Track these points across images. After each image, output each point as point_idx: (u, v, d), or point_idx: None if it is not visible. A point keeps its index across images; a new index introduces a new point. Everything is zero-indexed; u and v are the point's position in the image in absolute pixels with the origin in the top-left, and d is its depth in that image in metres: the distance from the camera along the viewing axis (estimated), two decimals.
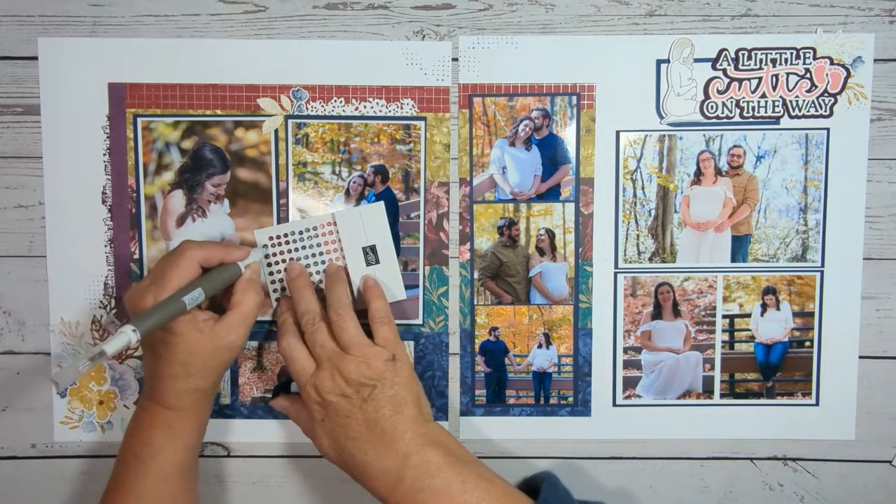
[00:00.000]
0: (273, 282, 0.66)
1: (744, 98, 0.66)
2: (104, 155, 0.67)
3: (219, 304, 0.62)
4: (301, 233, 0.66)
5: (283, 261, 0.66)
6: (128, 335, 0.52)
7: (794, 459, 0.70)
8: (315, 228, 0.66)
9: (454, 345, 0.69)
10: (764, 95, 0.66)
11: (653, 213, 0.68)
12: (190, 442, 0.60)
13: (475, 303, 0.68)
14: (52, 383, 0.67)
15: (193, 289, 0.56)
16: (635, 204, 0.68)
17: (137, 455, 0.59)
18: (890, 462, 0.70)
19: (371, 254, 0.66)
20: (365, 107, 0.66)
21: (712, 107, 0.67)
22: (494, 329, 0.68)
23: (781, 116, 0.67)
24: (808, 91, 0.66)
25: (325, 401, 0.58)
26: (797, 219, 0.68)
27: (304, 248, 0.66)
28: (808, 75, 0.66)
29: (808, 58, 0.66)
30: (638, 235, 0.68)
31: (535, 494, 0.57)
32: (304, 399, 0.60)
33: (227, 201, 0.67)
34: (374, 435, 0.57)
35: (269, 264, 0.66)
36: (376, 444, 0.57)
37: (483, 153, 0.67)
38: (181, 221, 0.67)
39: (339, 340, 0.59)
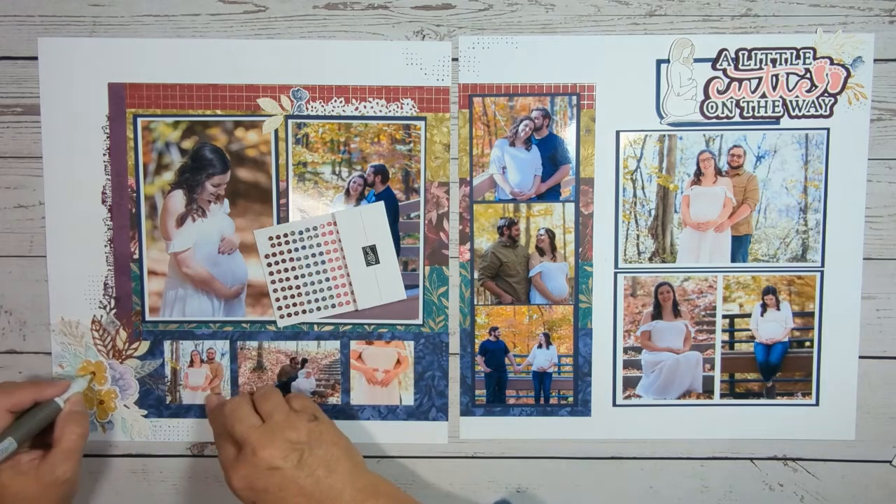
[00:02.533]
0: (273, 282, 0.66)
1: (744, 98, 0.66)
2: (104, 155, 0.67)
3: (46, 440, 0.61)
4: (301, 233, 0.66)
5: (283, 260, 0.66)
6: None
7: (794, 459, 0.70)
8: (315, 228, 0.66)
9: (454, 345, 0.69)
10: (764, 95, 0.66)
11: (653, 213, 0.68)
12: None
13: (475, 303, 0.68)
14: None
15: (2, 439, 0.57)
16: (635, 204, 0.68)
17: None
18: (890, 462, 0.70)
19: (371, 254, 0.66)
20: (365, 107, 0.66)
21: (712, 107, 0.67)
22: (494, 329, 0.68)
23: (781, 116, 0.67)
24: (808, 91, 0.66)
25: (253, 482, 0.55)
26: (797, 219, 0.68)
27: (304, 248, 0.66)
28: (808, 75, 0.66)
29: (808, 58, 0.66)
30: (638, 235, 0.68)
31: None
32: (231, 490, 0.57)
33: (227, 201, 0.67)
34: (312, 501, 0.55)
35: (270, 264, 0.66)
36: None
37: (483, 153, 0.67)
38: (181, 221, 0.67)
39: (260, 410, 0.58)
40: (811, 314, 0.68)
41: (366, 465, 0.59)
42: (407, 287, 0.67)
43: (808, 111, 0.67)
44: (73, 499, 0.61)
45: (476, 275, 0.68)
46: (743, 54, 0.66)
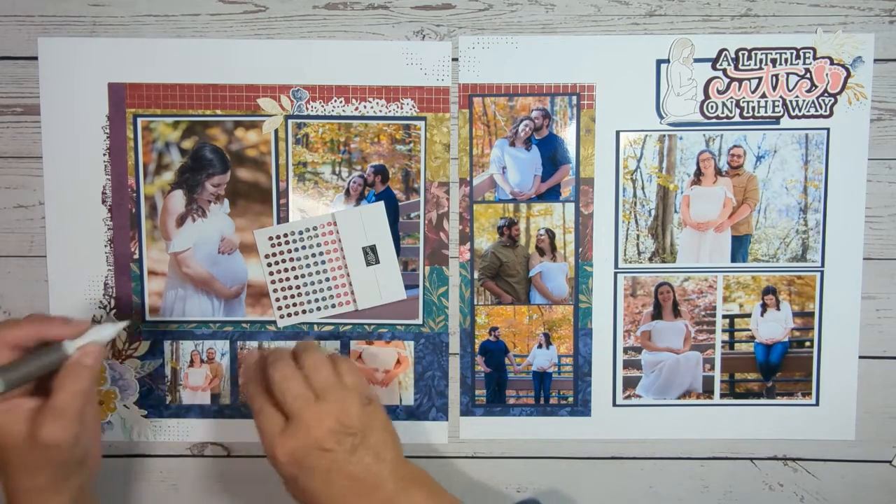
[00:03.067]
0: (273, 282, 0.66)
1: (744, 98, 0.66)
2: (104, 155, 0.67)
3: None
4: (301, 233, 0.66)
5: (283, 260, 0.66)
6: None
7: (794, 459, 0.70)
8: (315, 228, 0.66)
9: (454, 345, 0.69)
10: (764, 95, 0.66)
11: (653, 213, 0.68)
12: None
13: (475, 303, 0.68)
14: None
15: None
16: (635, 204, 0.68)
17: None
18: (890, 462, 0.70)
19: (371, 253, 0.66)
20: (365, 107, 0.66)
21: (712, 107, 0.67)
22: (494, 329, 0.68)
23: (781, 116, 0.67)
24: (808, 91, 0.66)
25: (301, 459, 0.53)
26: (797, 219, 0.68)
27: (304, 248, 0.66)
28: (808, 75, 0.66)
29: (808, 58, 0.66)
30: (638, 235, 0.68)
31: None
32: (273, 460, 0.54)
33: (227, 201, 0.67)
34: (357, 486, 0.54)
35: (270, 265, 0.66)
36: (361, 495, 0.54)
37: (483, 153, 0.67)
38: (181, 221, 0.67)
39: (312, 382, 0.54)
40: (811, 314, 0.68)
41: (402, 453, 0.58)
42: (407, 287, 0.67)
43: (808, 111, 0.67)
44: (88, 471, 0.54)
45: (476, 275, 0.68)
46: (743, 54, 0.66)
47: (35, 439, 0.49)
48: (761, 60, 0.66)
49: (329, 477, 0.53)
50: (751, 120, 0.67)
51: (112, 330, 0.54)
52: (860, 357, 0.69)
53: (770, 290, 0.68)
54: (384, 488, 0.54)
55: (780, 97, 0.66)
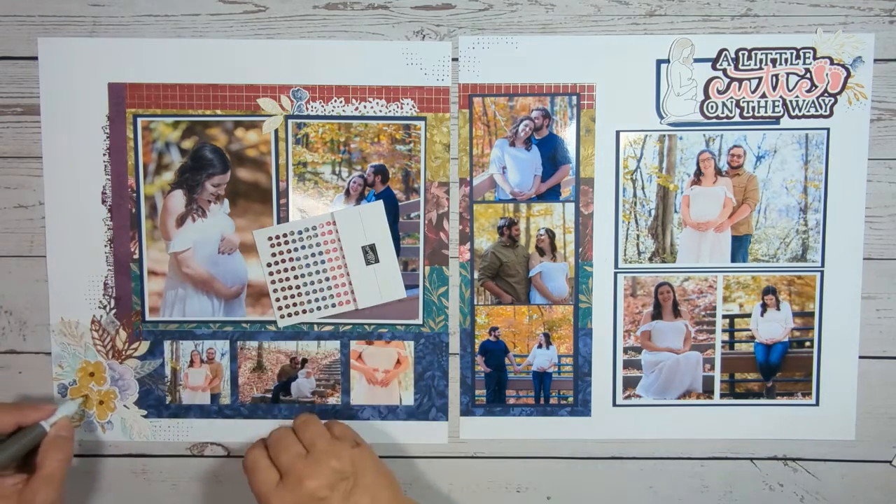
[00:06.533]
0: (273, 282, 0.66)
1: (744, 98, 0.66)
2: (104, 155, 0.67)
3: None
4: (300, 232, 0.66)
5: (284, 261, 0.66)
6: None
7: (794, 459, 0.70)
8: (314, 228, 0.66)
9: (454, 345, 0.69)
10: (764, 95, 0.66)
11: (653, 213, 0.68)
12: None
13: (475, 303, 0.68)
14: None
15: None
16: (635, 204, 0.68)
17: None
18: (890, 462, 0.70)
19: (371, 253, 0.66)
20: (365, 107, 0.66)
21: (712, 107, 0.67)
22: (494, 329, 0.68)
23: (781, 116, 0.67)
24: (808, 91, 0.66)
25: None
26: (797, 219, 0.68)
27: (303, 247, 0.66)
28: (808, 75, 0.66)
29: (808, 58, 0.66)
30: (638, 235, 0.68)
31: None
32: None
33: (227, 201, 0.67)
34: None
35: (270, 265, 0.66)
36: None
37: (483, 153, 0.67)
38: (181, 221, 0.67)
39: (302, 438, 0.58)
40: (811, 314, 0.68)
41: (401, 490, 0.60)
42: (407, 287, 0.67)
43: (808, 111, 0.67)
44: None
45: (476, 275, 0.68)
46: (743, 54, 0.66)
47: None
48: (761, 60, 0.66)
49: None
50: (751, 120, 0.67)
51: (73, 405, 0.64)
52: (860, 357, 0.69)
53: (770, 290, 0.68)
54: None
55: (780, 97, 0.66)
